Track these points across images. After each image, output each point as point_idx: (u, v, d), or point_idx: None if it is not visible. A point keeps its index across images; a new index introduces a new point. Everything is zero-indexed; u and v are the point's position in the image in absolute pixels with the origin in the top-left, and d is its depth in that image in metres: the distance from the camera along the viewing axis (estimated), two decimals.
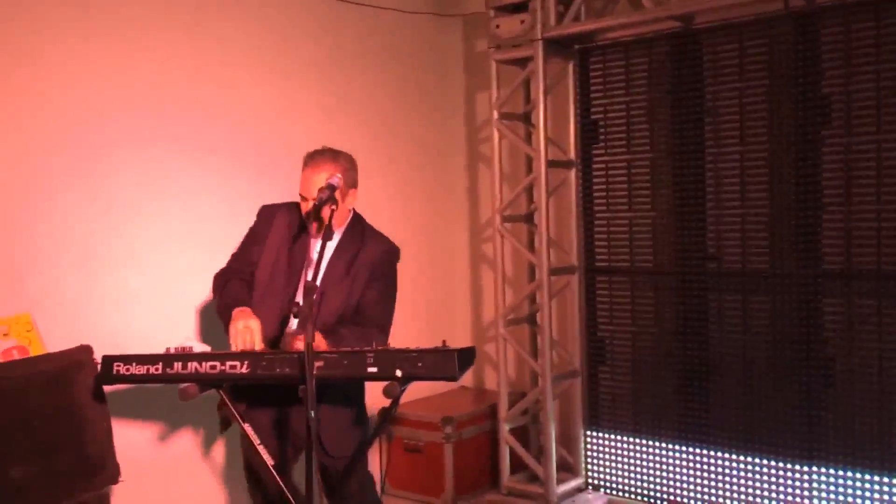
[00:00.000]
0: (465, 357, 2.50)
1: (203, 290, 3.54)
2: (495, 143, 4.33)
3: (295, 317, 2.36)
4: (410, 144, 4.59)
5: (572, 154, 4.25)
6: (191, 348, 2.60)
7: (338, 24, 4.21)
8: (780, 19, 3.56)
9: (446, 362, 2.44)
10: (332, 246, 2.83)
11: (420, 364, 2.43)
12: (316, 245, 2.77)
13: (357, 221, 2.94)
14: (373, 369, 2.44)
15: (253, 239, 2.97)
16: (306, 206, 2.77)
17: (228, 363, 2.53)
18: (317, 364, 2.40)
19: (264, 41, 3.86)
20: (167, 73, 3.47)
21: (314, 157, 2.81)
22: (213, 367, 2.53)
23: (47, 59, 3.11)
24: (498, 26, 4.17)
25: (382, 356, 2.44)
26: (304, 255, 2.84)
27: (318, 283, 2.51)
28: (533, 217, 4.34)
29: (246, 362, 2.53)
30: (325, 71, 4.14)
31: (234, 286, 2.85)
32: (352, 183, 2.84)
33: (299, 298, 2.70)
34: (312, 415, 2.27)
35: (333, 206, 2.63)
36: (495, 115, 4.31)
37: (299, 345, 2.52)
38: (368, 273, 2.85)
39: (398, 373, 2.41)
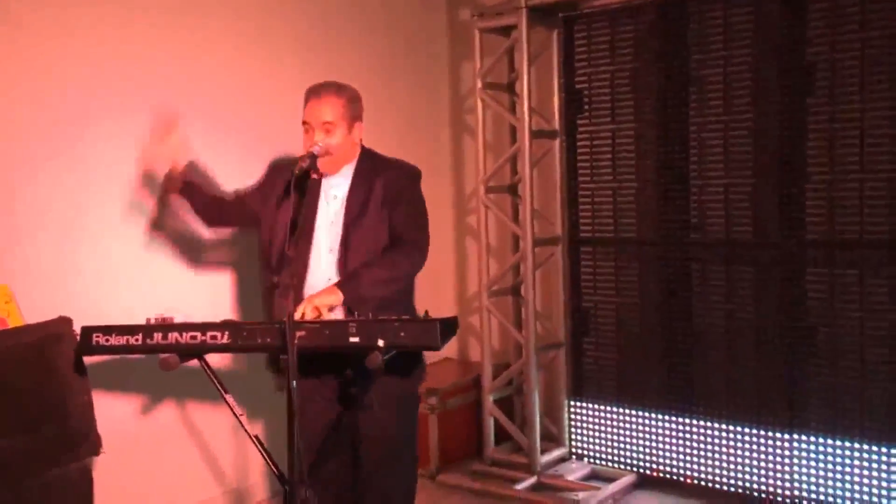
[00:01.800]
0: (448, 327, 2.49)
1: (183, 260, 3.52)
2: (479, 114, 4.30)
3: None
4: (395, 115, 4.55)
5: (557, 124, 4.23)
6: (171, 318, 2.57)
7: None
8: None
9: (429, 332, 2.42)
10: (345, 185, 2.76)
11: (402, 334, 2.41)
12: (329, 193, 2.75)
13: (368, 155, 2.84)
14: (355, 339, 2.42)
15: (258, 187, 2.94)
16: (308, 138, 2.72)
17: (209, 333, 2.51)
18: (298, 334, 2.39)
19: (246, 10, 3.80)
20: (147, 46, 3.42)
21: (318, 89, 2.73)
22: (193, 338, 2.50)
23: (25, 30, 3.05)
24: None
25: (365, 326, 2.42)
26: (317, 208, 2.77)
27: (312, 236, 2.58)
28: (517, 188, 4.33)
29: (227, 333, 2.51)
30: (308, 41, 4.08)
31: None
32: (357, 115, 2.77)
33: (321, 259, 2.70)
34: (294, 385, 2.26)
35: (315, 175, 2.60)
36: (479, 84, 4.27)
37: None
38: (390, 201, 2.73)
39: (380, 342, 2.39)
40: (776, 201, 3.59)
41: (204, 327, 2.52)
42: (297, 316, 2.49)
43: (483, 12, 4.17)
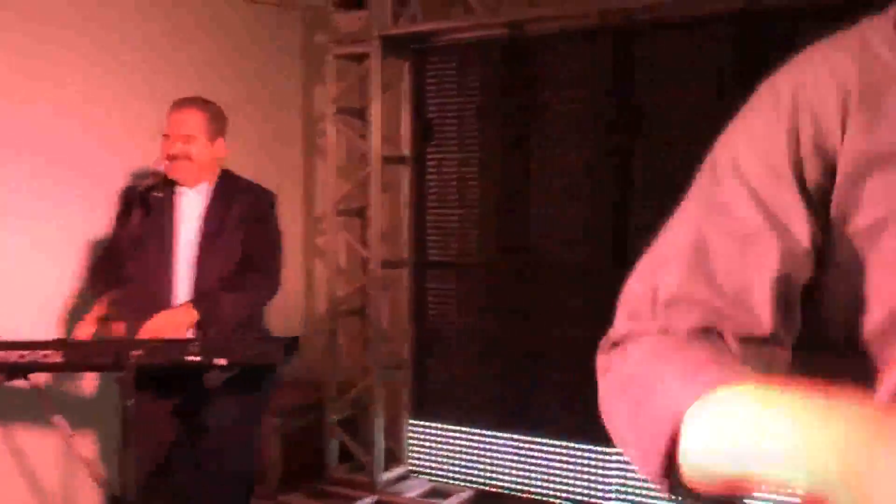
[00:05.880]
0: (290, 346, 2.54)
1: (21, 276, 3.38)
2: (331, 138, 4.37)
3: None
4: (247, 135, 4.53)
5: (406, 151, 4.36)
6: None
7: (172, 8, 4.10)
8: (599, 33, 3.81)
9: (271, 351, 2.47)
10: (201, 204, 2.77)
11: (243, 352, 2.44)
12: (183, 209, 2.73)
13: (226, 176, 2.86)
14: (195, 357, 2.43)
15: (117, 225, 2.86)
16: (166, 147, 2.71)
17: (41, 352, 2.45)
18: (134, 353, 2.37)
19: (91, 26, 3.70)
20: None
21: (182, 102, 2.78)
22: (21, 357, 2.43)
23: None
24: (337, 22, 4.22)
25: (205, 344, 2.44)
26: (171, 224, 2.76)
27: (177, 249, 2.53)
28: (366, 212, 4.42)
29: (60, 351, 2.45)
30: (158, 56, 4.02)
31: (97, 276, 2.76)
32: (220, 131, 2.80)
33: (176, 274, 2.69)
34: (130, 403, 2.24)
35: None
36: (332, 109, 4.34)
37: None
38: (245, 223, 2.77)
39: (220, 361, 2.41)
40: (609, 229, 3.85)
41: (34, 345, 2.45)
42: (149, 333, 2.48)
43: (338, 39, 4.26)
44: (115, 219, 2.88)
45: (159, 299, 2.68)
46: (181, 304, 2.62)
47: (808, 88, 0.79)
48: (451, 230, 4.29)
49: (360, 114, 4.49)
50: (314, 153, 4.89)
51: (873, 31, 0.79)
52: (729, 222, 0.82)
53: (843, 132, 0.77)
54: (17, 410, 3.25)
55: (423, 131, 4.34)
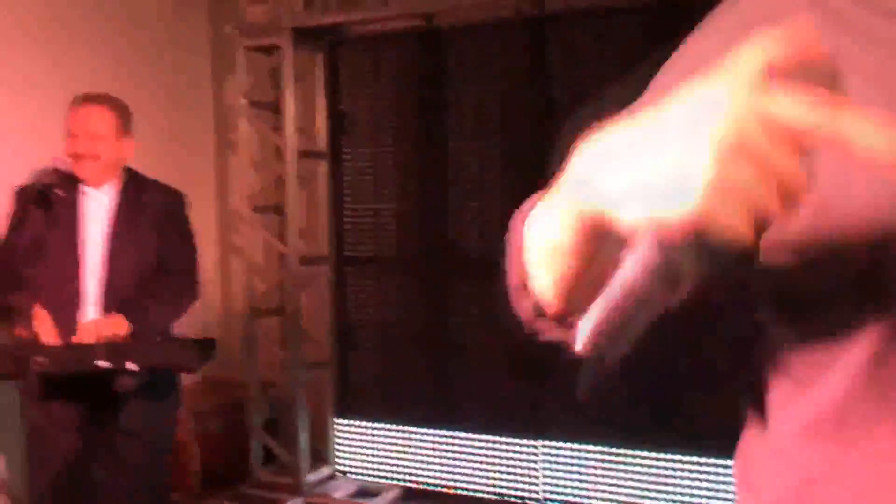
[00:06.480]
0: (205, 348, 2.46)
1: None
2: (243, 132, 4.26)
3: None
4: (155, 129, 4.37)
5: (322, 145, 4.28)
6: None
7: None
8: (513, 23, 3.81)
9: (184, 354, 2.39)
10: (107, 203, 2.65)
11: (156, 356, 2.36)
12: (88, 209, 2.61)
13: (132, 175, 2.75)
14: (103, 363, 2.32)
15: (14, 225, 2.71)
16: (72, 145, 2.58)
17: None
18: (38, 359, 2.25)
19: None
20: None
21: (87, 98, 2.65)
22: None
23: None
24: (245, 12, 4.11)
25: (114, 349, 2.33)
26: (76, 224, 2.63)
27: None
28: (283, 207, 4.33)
29: None
30: (60, 50, 3.84)
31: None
32: (127, 129, 2.69)
33: (84, 277, 2.56)
34: (33, 413, 2.13)
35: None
36: (243, 102, 4.23)
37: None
38: (158, 223, 2.68)
39: (131, 365, 2.31)
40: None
41: None
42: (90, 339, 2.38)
43: (247, 30, 4.15)
44: (9, 219, 2.73)
45: (67, 303, 2.56)
46: (113, 315, 2.51)
47: None
48: (370, 225, 4.23)
49: (274, 107, 4.39)
50: (226, 147, 4.77)
51: None
52: None
53: None
54: None
55: (339, 124, 4.27)
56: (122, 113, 2.69)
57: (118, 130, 2.64)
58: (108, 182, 2.66)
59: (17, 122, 3.54)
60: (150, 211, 2.69)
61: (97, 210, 2.64)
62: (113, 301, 2.56)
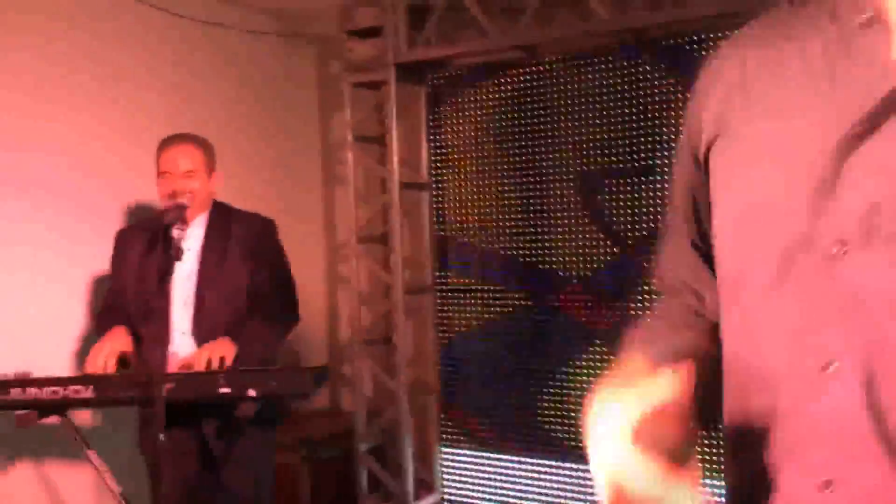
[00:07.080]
0: (319, 375, 2.54)
1: (38, 314, 3.38)
2: (350, 166, 4.38)
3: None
4: (264, 166, 4.56)
5: (425, 176, 4.36)
6: (30, 373, 2.49)
7: (181, 43, 4.12)
8: (612, 52, 3.80)
9: (300, 379, 2.46)
10: (198, 237, 2.77)
11: (273, 382, 2.43)
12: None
13: (220, 207, 2.87)
14: (225, 389, 2.42)
15: (115, 267, 2.87)
16: (167, 184, 2.71)
17: (72, 388, 2.44)
18: (166, 386, 2.36)
19: (106, 57, 3.73)
20: None
21: (174, 139, 2.78)
22: (54, 393, 2.43)
23: None
24: (351, 50, 4.25)
25: (234, 376, 2.43)
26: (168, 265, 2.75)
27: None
28: (388, 238, 4.41)
29: (91, 386, 2.45)
30: (172, 96, 4.03)
31: (105, 319, 2.76)
32: (214, 165, 2.83)
33: (175, 312, 2.67)
34: (161, 438, 2.24)
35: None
36: (349, 137, 4.36)
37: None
38: (248, 252, 2.76)
39: (251, 392, 2.40)
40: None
41: (65, 381, 2.45)
42: (201, 366, 2.49)
43: (353, 67, 4.28)
44: (112, 260, 2.88)
45: (157, 337, 2.69)
46: (220, 338, 2.62)
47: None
48: (472, 254, 4.27)
49: (378, 140, 4.50)
50: (333, 180, 4.90)
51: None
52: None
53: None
54: (49, 446, 3.26)
55: (441, 156, 4.34)
56: (208, 150, 2.82)
57: (207, 166, 2.77)
58: (199, 216, 2.79)
59: (139, 161, 3.74)
60: (240, 240, 2.79)
61: (188, 244, 2.74)
62: (206, 332, 2.66)
